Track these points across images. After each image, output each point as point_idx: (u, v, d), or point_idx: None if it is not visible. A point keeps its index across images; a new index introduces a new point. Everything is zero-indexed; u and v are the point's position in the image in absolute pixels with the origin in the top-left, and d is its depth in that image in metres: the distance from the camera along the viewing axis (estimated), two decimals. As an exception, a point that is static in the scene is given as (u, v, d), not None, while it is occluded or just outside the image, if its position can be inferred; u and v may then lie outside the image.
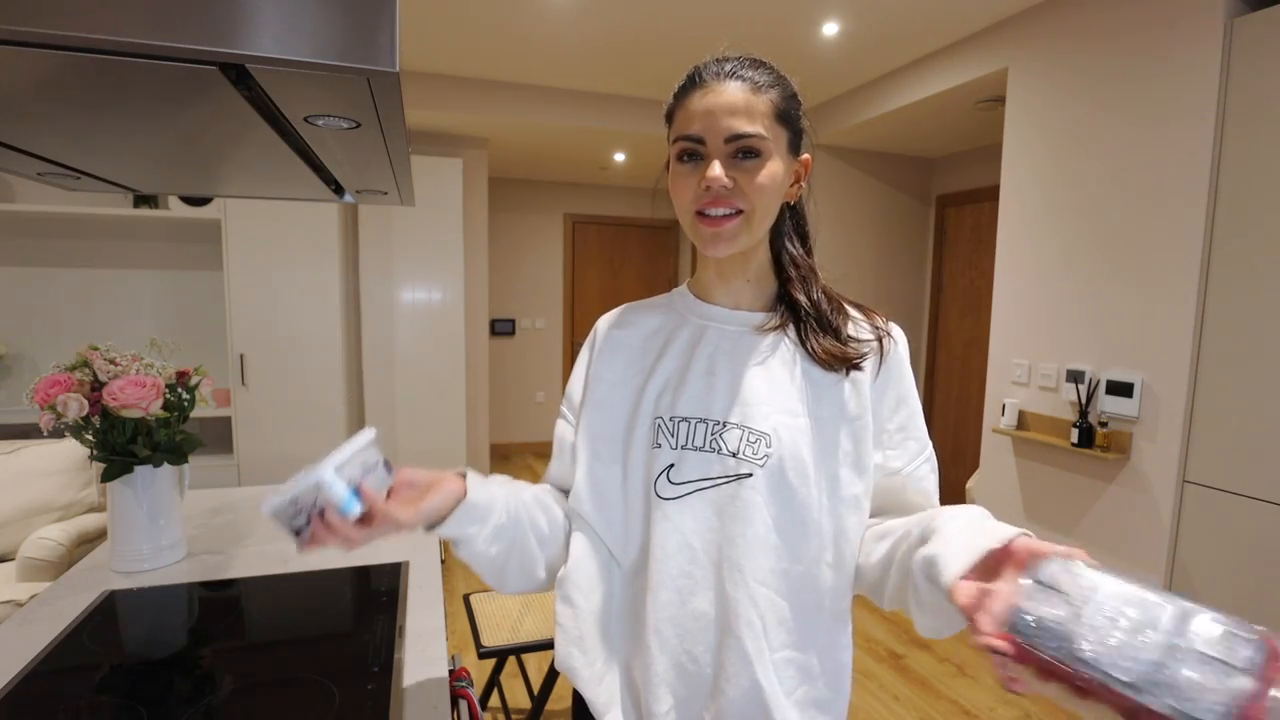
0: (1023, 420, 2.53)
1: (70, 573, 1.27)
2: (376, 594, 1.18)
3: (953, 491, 4.03)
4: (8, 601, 1.82)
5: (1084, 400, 2.25)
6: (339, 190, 1.08)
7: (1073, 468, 2.35)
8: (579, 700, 0.81)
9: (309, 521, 0.63)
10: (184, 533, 1.35)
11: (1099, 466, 2.25)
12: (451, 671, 0.98)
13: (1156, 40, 2.03)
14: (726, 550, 0.72)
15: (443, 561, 1.38)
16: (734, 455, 0.73)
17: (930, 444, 0.79)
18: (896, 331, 0.80)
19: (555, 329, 5.48)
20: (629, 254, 5.64)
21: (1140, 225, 2.09)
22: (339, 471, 0.63)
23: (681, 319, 0.82)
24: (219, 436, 3.15)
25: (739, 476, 0.72)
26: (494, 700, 2.12)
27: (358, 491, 0.64)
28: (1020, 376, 2.54)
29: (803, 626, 0.73)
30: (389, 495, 0.69)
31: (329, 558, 1.33)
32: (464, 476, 0.74)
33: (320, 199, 1.17)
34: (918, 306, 4.19)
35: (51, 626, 1.05)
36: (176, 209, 2.93)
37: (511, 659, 2.19)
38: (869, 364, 0.76)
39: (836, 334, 0.76)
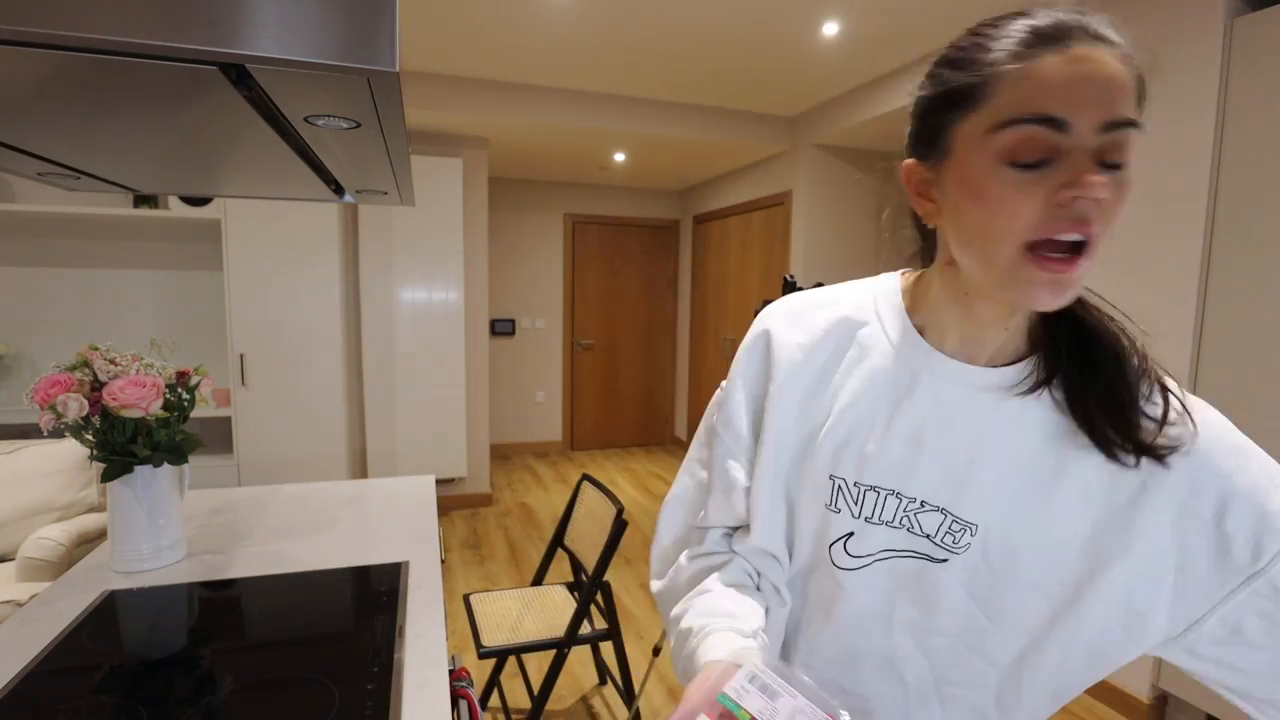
0: (1023, 420, 2.53)
1: (70, 573, 1.27)
2: (376, 594, 1.18)
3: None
4: (8, 601, 1.82)
5: (1084, 400, 2.24)
6: (339, 190, 1.08)
7: (1073, 468, 2.35)
8: None
9: None
10: (184, 533, 1.35)
11: (1099, 466, 2.25)
12: (451, 671, 0.98)
13: (1156, 40, 2.03)
14: (905, 609, 0.62)
15: (443, 561, 1.38)
16: (929, 538, 0.59)
17: None
18: (1208, 417, 0.56)
19: (555, 329, 5.48)
20: (629, 254, 5.64)
21: (1140, 225, 2.09)
22: None
23: (888, 348, 0.62)
24: (219, 436, 3.15)
25: (931, 559, 0.60)
26: (494, 700, 2.12)
27: None
28: (1020, 376, 2.54)
29: (993, 696, 0.62)
30: None
31: (329, 557, 1.33)
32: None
33: (320, 199, 1.17)
34: (918, 306, 4.19)
35: (51, 626, 1.05)
36: (176, 209, 2.93)
37: (511, 659, 2.19)
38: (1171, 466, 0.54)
39: (1132, 405, 0.54)
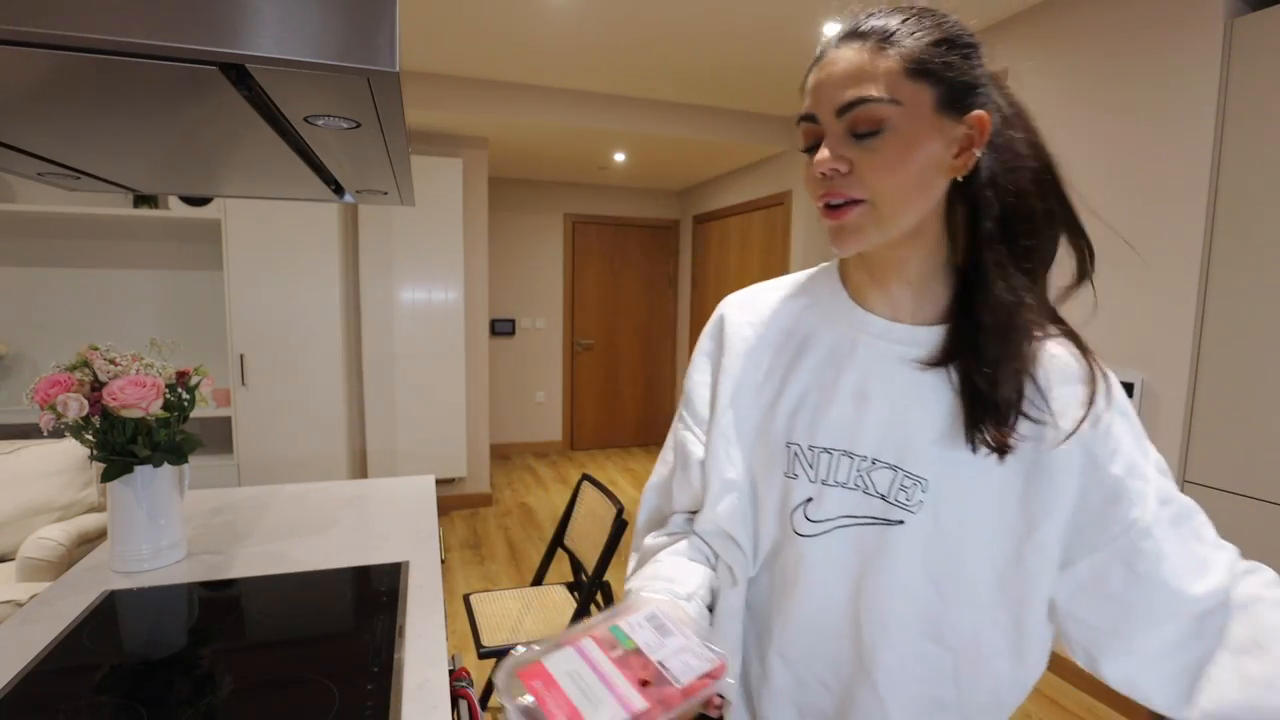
0: (1023, 420, 2.53)
1: (70, 573, 1.27)
2: (376, 594, 1.18)
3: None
4: (8, 601, 1.82)
5: (1084, 400, 2.24)
6: (339, 190, 1.08)
7: (1073, 468, 2.34)
8: None
9: None
10: (184, 533, 1.35)
11: (1099, 466, 2.25)
12: (451, 671, 0.98)
13: (1156, 40, 2.03)
14: (869, 593, 0.64)
15: (443, 561, 1.38)
16: (883, 498, 0.62)
17: (1174, 496, 0.62)
18: (1100, 379, 0.62)
19: (555, 329, 5.48)
20: (629, 254, 5.64)
21: (1140, 225, 2.09)
22: None
23: (827, 319, 0.68)
24: (219, 436, 3.15)
25: (887, 521, 0.62)
26: (494, 700, 2.12)
27: None
28: (1020, 376, 2.54)
29: (951, 678, 0.65)
30: None
31: (329, 557, 1.33)
32: None
33: (320, 199, 1.17)
34: (918, 306, 4.19)
35: (51, 626, 1.05)
36: (176, 209, 2.93)
37: (511, 659, 2.19)
38: (1043, 428, 0.60)
39: (1002, 403, 0.59)
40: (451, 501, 4.09)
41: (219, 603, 1.17)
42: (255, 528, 1.49)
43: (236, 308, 3.01)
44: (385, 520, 1.56)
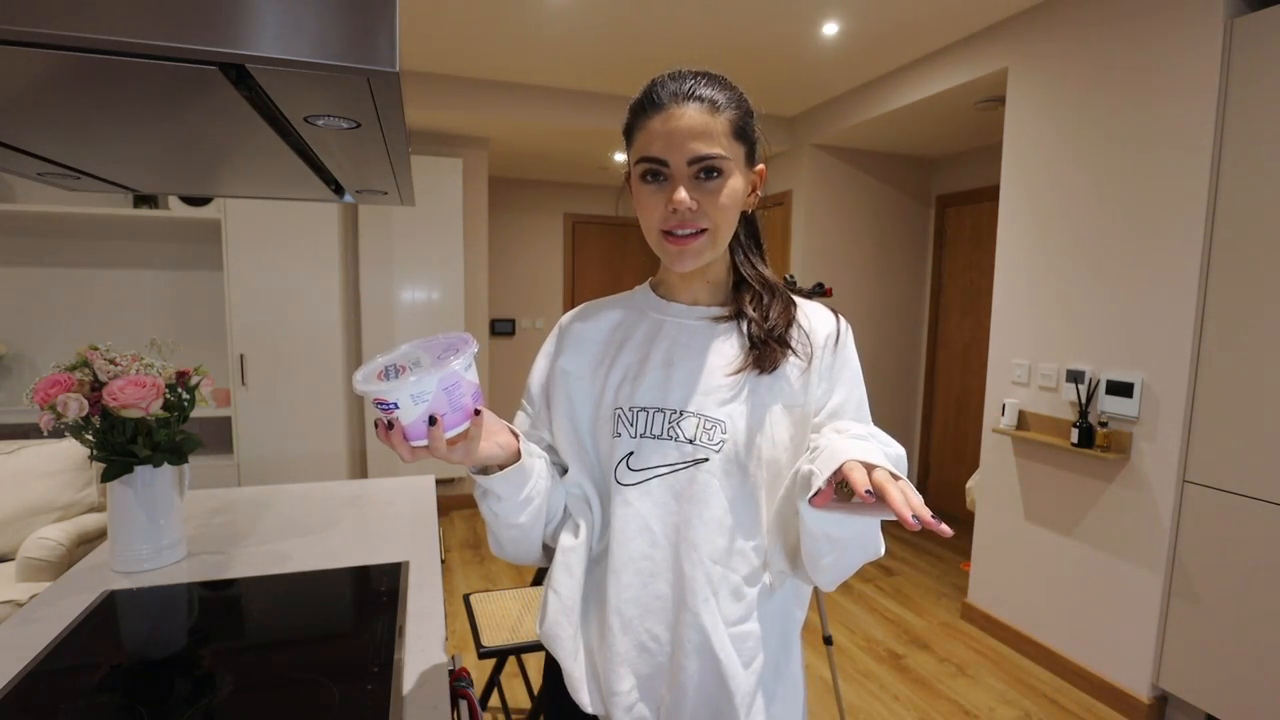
0: (1023, 420, 2.53)
1: (70, 573, 1.27)
2: (376, 594, 1.18)
3: (953, 491, 4.03)
4: (8, 601, 1.82)
5: (1084, 400, 2.25)
6: (339, 190, 1.08)
7: (1073, 468, 2.35)
8: (551, 681, 0.86)
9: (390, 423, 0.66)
10: (184, 533, 1.35)
11: (1099, 466, 2.25)
12: (451, 671, 0.98)
13: (1156, 40, 2.04)
14: (684, 531, 0.76)
15: (442, 561, 1.38)
16: (691, 442, 0.76)
17: (867, 425, 0.79)
18: (841, 323, 0.84)
19: (555, 329, 5.47)
20: (629, 254, 5.64)
21: (1140, 225, 2.09)
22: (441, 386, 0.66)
23: (641, 314, 0.87)
24: (219, 436, 3.15)
25: (696, 461, 0.76)
26: (494, 700, 2.12)
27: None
28: (1020, 376, 2.54)
29: (755, 599, 0.77)
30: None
31: (329, 557, 1.33)
32: (517, 436, 0.76)
33: (320, 199, 1.17)
34: (918, 306, 4.19)
35: (51, 626, 1.05)
36: (176, 209, 2.93)
37: (511, 659, 2.19)
38: (808, 355, 0.80)
39: (774, 329, 0.80)
40: (451, 501, 4.09)
41: (219, 603, 1.17)
42: (255, 528, 1.49)
43: (236, 308, 3.01)
44: (385, 520, 1.56)
